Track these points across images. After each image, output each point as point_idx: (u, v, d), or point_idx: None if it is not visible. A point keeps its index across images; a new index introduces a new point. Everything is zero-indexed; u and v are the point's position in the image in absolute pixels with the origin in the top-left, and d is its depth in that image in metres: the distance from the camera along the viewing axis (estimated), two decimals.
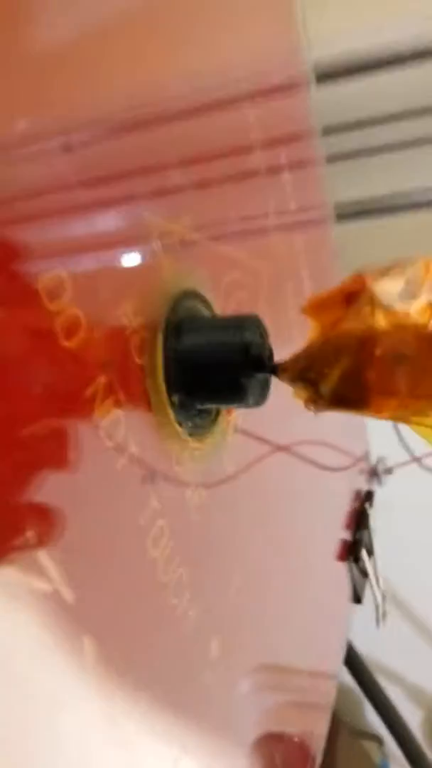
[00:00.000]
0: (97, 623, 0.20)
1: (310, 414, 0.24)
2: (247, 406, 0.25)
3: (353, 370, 0.22)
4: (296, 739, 0.44)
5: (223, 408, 0.28)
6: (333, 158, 0.54)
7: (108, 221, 0.22)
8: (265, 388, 0.26)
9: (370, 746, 0.99)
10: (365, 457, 0.67)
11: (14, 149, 0.17)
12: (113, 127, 0.22)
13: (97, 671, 0.20)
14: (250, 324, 0.25)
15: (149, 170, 0.25)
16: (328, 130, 0.55)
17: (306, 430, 0.43)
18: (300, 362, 0.24)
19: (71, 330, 0.19)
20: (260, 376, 0.25)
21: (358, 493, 0.62)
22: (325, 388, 0.23)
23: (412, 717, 0.93)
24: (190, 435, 0.26)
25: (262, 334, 0.26)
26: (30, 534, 0.17)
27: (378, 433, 0.68)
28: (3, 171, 0.17)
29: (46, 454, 0.18)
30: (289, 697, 0.42)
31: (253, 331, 0.25)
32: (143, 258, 0.24)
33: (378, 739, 0.99)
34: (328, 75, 0.58)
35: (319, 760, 0.49)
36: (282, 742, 0.41)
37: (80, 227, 0.20)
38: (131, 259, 0.23)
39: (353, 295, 0.23)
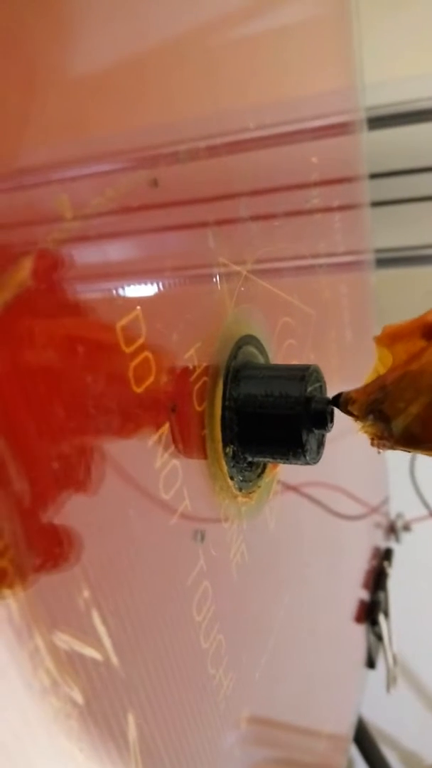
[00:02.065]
0: (141, 698, 0.18)
1: (332, 462, 0.22)
2: (303, 462, 0.24)
3: None
4: None
5: (277, 462, 0.27)
6: (373, 204, 0.53)
7: (179, 261, 0.21)
8: (321, 445, 0.25)
9: None
10: (385, 502, 0.64)
11: (90, 182, 0.16)
12: (191, 156, 0.21)
13: (138, 750, 0.18)
14: (311, 376, 0.24)
15: (218, 206, 0.24)
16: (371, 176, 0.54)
17: (327, 478, 0.41)
18: (371, 394, 0.22)
19: (143, 375, 0.18)
20: (318, 432, 0.24)
21: (376, 550, 0.59)
22: (399, 425, 0.21)
23: None
24: (239, 489, 0.25)
25: (322, 387, 0.25)
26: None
27: (396, 490, 0.66)
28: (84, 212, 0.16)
29: (107, 508, 0.16)
30: (307, 759, 0.40)
31: (314, 383, 0.24)
32: (211, 300, 0.22)
33: None
34: (375, 121, 0.58)
35: None
36: None
37: (153, 268, 0.19)
38: (201, 302, 0.22)
39: None
